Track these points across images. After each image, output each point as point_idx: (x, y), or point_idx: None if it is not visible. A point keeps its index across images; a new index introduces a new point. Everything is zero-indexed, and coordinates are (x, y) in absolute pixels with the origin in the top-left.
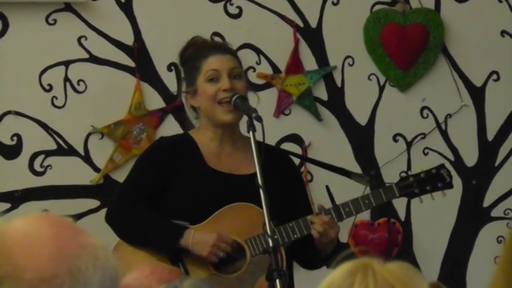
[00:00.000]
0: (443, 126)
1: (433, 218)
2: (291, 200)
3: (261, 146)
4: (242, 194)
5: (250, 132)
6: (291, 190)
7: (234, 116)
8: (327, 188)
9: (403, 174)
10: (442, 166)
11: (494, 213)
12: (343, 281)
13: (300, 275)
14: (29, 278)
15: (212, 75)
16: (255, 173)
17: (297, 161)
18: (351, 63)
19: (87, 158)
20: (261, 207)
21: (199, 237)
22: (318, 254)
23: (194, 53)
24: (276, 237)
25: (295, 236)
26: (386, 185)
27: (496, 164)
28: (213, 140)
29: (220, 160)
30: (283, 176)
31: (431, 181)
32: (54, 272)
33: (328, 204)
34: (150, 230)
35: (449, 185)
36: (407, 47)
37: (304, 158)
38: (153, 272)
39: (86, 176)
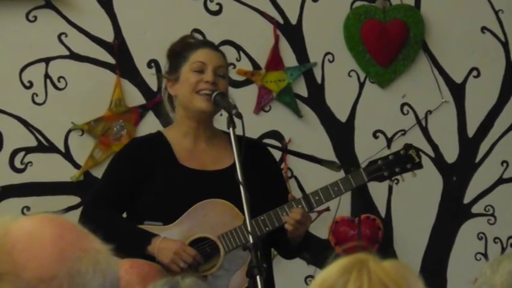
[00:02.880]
0: (423, 123)
1: (413, 215)
2: (268, 191)
3: (242, 141)
4: (214, 189)
5: (231, 129)
6: (268, 180)
7: (210, 104)
8: (295, 178)
9: None
10: (410, 146)
11: (474, 209)
12: (337, 278)
13: (279, 267)
14: (28, 277)
15: (198, 67)
16: (228, 168)
17: (277, 156)
18: (331, 59)
19: (67, 155)
20: (234, 201)
21: (164, 245)
22: (288, 243)
23: (184, 46)
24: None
25: (267, 228)
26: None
27: (477, 161)
28: (187, 135)
29: (193, 156)
30: (259, 167)
31: (400, 162)
32: (53, 273)
33: None
34: (119, 237)
35: (419, 165)
36: (388, 43)
37: (281, 149)
38: (133, 266)
39: (67, 173)
